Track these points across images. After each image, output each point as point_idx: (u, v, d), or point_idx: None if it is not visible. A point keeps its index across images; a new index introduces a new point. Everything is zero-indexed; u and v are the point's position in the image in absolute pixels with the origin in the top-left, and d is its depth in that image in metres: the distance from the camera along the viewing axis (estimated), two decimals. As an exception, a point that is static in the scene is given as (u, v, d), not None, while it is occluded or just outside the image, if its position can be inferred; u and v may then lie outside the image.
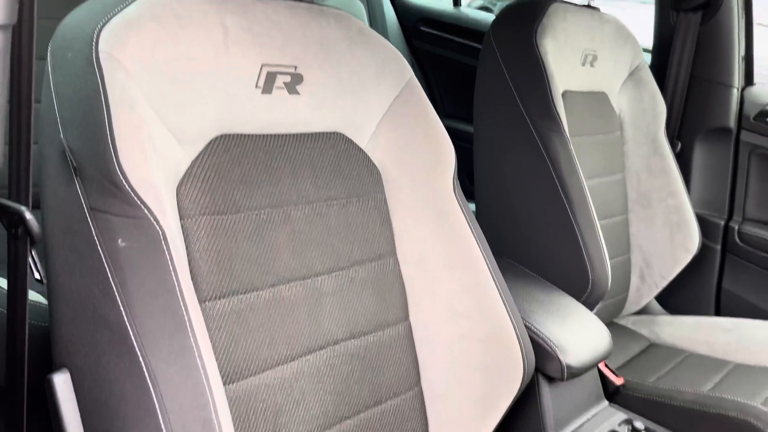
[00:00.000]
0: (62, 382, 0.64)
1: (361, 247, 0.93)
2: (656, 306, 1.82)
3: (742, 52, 1.72)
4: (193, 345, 0.61)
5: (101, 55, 0.65)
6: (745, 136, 1.74)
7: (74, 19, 0.70)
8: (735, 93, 1.73)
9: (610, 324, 1.67)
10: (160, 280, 0.62)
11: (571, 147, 1.27)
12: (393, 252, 0.98)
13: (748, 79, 1.76)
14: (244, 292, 0.78)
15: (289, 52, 0.86)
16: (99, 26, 0.66)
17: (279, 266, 0.82)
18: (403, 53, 1.03)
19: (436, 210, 0.98)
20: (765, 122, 1.70)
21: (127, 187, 0.62)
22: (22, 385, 0.72)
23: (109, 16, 0.67)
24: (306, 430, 0.82)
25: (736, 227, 1.77)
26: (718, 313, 1.82)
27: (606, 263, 1.23)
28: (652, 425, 1.10)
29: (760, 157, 1.73)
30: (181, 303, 0.62)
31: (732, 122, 1.74)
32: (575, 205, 1.24)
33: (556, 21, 1.37)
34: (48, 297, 0.67)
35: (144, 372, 0.58)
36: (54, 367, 0.66)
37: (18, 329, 0.71)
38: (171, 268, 0.63)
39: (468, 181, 2.30)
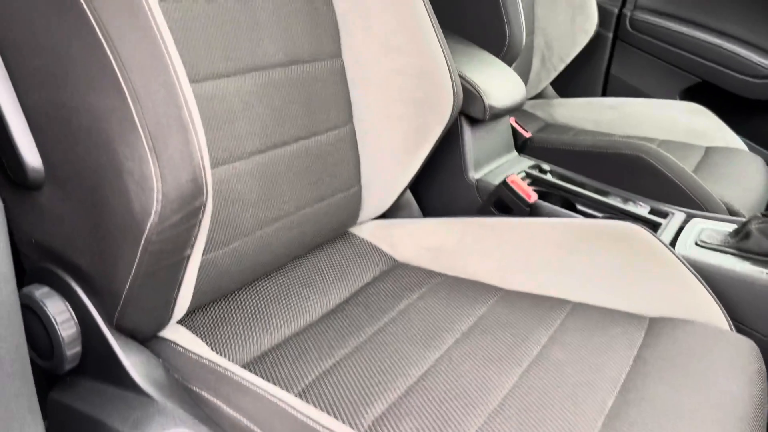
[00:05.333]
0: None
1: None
2: (551, 91, 1.94)
3: None
4: (146, 6, 0.56)
5: None
6: None
7: None
8: None
9: (510, 106, 1.76)
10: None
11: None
12: (326, -16, 0.93)
13: None
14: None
15: None
16: None
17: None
18: None
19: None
20: None
21: None
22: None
23: None
24: (247, 144, 0.82)
25: (629, 14, 1.86)
26: (604, 94, 1.97)
27: (521, 21, 1.25)
28: (557, 168, 1.22)
29: (657, -57, 1.79)
30: None
31: None
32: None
33: None
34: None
35: (94, 27, 0.53)
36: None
37: None
38: None
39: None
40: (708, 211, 1.12)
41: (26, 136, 0.60)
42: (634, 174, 1.16)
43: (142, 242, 0.58)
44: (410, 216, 1.17)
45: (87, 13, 0.53)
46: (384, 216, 1.10)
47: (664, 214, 1.09)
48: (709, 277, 0.90)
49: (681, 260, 0.86)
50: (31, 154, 0.61)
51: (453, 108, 0.98)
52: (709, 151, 1.56)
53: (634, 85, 1.88)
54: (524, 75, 1.76)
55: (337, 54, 0.97)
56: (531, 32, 1.72)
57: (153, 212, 0.56)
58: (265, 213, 0.85)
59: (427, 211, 1.18)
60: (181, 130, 0.57)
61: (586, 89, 1.94)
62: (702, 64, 1.75)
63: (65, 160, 0.60)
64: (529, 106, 1.83)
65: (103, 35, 0.53)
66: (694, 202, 1.13)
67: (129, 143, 0.55)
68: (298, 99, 0.90)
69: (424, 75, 0.97)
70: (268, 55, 0.85)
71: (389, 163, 1.02)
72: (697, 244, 0.99)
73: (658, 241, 0.87)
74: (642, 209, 1.11)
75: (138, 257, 0.59)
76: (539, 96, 1.89)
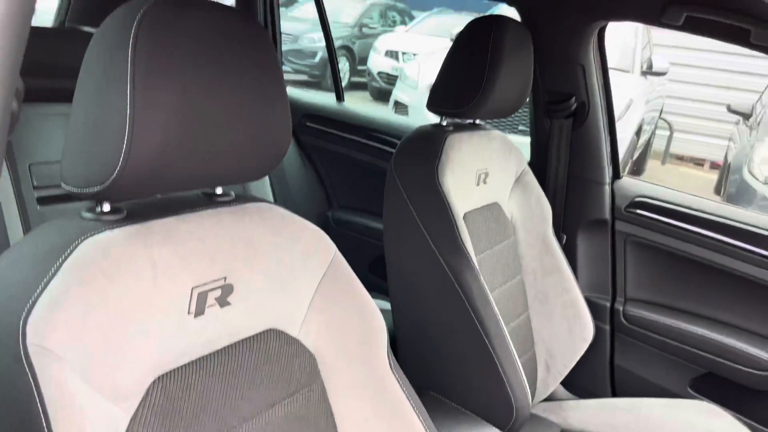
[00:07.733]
0: None
1: (307, 445, 0.91)
2: (561, 389, 1.93)
3: (609, 151, 1.90)
4: None
5: (31, 350, 0.59)
6: (619, 225, 1.91)
7: None
8: (606, 188, 1.90)
9: (523, 416, 1.74)
10: None
11: (483, 281, 1.33)
12: (336, 439, 0.96)
13: (616, 173, 1.94)
14: None
15: (218, 265, 0.83)
16: (23, 314, 0.60)
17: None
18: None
19: (375, 389, 0.97)
20: (634, 213, 1.88)
21: None
22: None
23: (32, 298, 0.61)
24: None
25: (621, 308, 1.93)
26: (613, 387, 1.96)
27: (527, 391, 1.29)
28: None
29: (633, 244, 1.91)
30: None
31: (607, 214, 1.91)
32: (492, 337, 1.29)
33: (453, 153, 1.43)
34: None
35: None
36: None
37: None
38: None
39: (368, 270, 2.32)
40: None
41: None
42: None
43: None
44: None
45: None
46: None
47: None
48: None
49: None
50: None
51: None
52: (735, 463, 1.52)
53: (642, 376, 1.89)
54: (531, 385, 1.77)
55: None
56: (531, 347, 1.76)
57: None
58: None
59: None
60: None
61: (593, 381, 1.94)
62: (704, 357, 1.77)
63: None
64: (541, 410, 1.82)
65: None
66: None
67: None
68: None
69: None
70: None
71: None
72: None
73: None
74: None
75: None
76: (549, 398, 1.88)
